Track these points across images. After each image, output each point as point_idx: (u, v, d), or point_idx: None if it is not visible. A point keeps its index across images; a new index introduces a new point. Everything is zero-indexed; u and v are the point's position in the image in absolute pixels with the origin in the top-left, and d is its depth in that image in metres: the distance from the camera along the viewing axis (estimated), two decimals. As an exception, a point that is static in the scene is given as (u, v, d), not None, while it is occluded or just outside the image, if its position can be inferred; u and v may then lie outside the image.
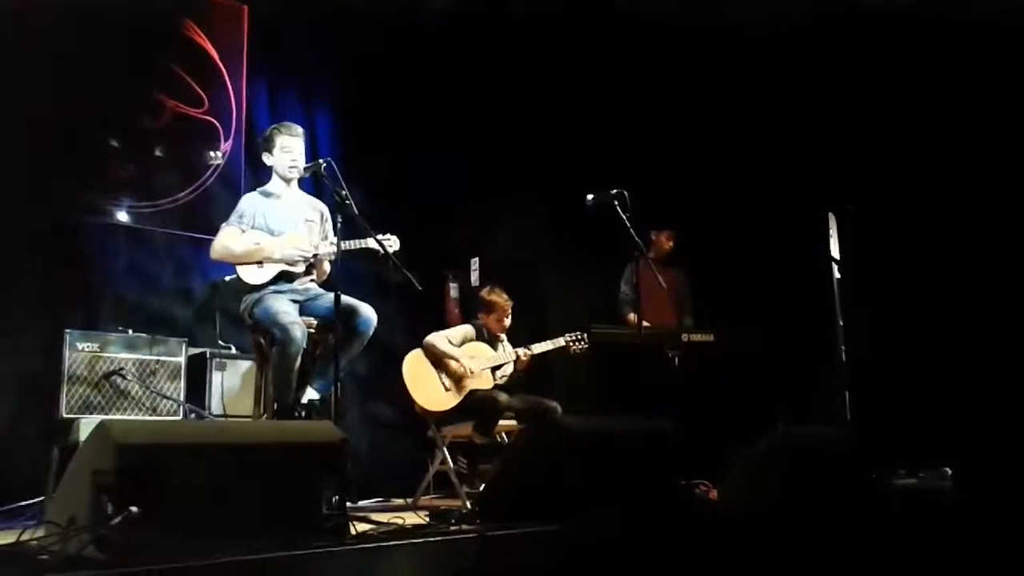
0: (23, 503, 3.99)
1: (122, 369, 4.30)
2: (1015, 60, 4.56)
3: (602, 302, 5.90)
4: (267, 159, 4.20)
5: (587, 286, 6.20)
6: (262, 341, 3.98)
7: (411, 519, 2.79)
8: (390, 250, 3.87)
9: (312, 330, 3.93)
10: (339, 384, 3.54)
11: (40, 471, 4.06)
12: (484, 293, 5.11)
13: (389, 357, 5.01)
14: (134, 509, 1.92)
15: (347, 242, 3.85)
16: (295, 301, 3.98)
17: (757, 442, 3.39)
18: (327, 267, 4.18)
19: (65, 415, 4.11)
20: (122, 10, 5.24)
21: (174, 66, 5.69)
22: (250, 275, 3.99)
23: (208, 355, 4.75)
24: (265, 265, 3.99)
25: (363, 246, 3.92)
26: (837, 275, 4.83)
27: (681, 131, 5.65)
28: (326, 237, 4.15)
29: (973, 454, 4.20)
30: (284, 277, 4.01)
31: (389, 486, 5.35)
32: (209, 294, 5.22)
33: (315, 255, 4.06)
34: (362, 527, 2.58)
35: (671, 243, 5.79)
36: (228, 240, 4.01)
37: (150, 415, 4.31)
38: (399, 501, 4.96)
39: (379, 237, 3.81)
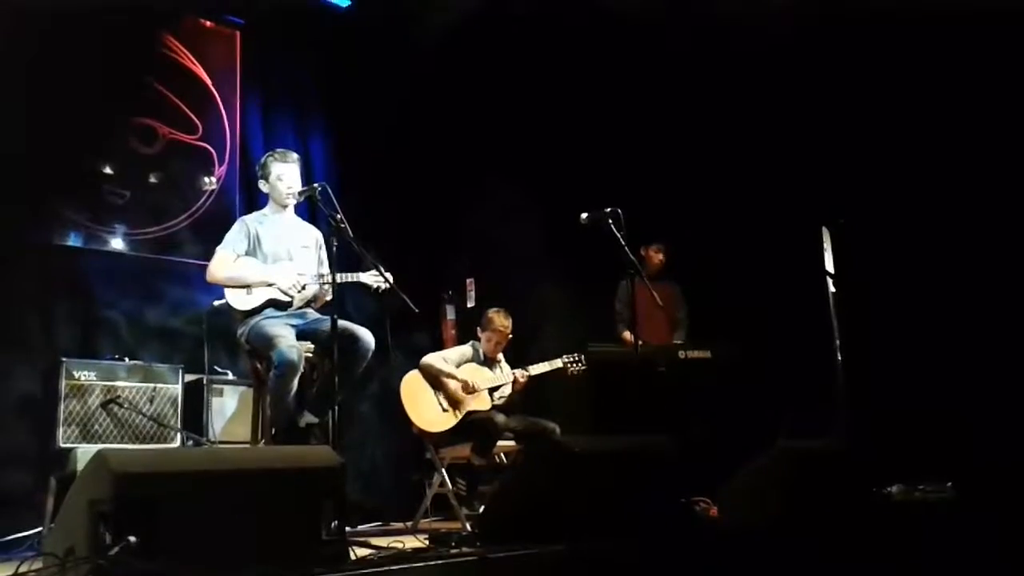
0: (21, 534, 3.98)
1: (119, 397, 4.29)
2: (998, 72, 4.59)
3: (598, 320, 5.89)
4: (263, 186, 4.22)
5: (583, 305, 6.20)
6: (259, 366, 3.96)
7: (411, 543, 2.78)
8: (384, 285, 3.85)
9: (309, 354, 3.92)
10: (337, 408, 3.54)
11: (38, 501, 4.05)
12: (490, 311, 5.06)
13: (386, 379, 4.99)
14: (132, 539, 1.91)
15: (342, 275, 3.82)
16: (292, 326, 3.97)
17: (756, 457, 3.39)
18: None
19: (62, 444, 4.10)
20: (115, 37, 5.28)
21: (167, 92, 5.72)
22: (238, 301, 3.98)
23: (205, 381, 4.74)
24: (253, 291, 3.98)
25: (357, 279, 3.92)
26: (832, 289, 4.84)
27: (676, 146, 5.66)
28: (321, 264, 4.15)
29: (973, 465, 4.19)
30: (274, 304, 3.99)
31: (388, 510, 5.34)
32: (204, 320, 5.22)
33: (305, 285, 4.02)
34: (362, 552, 2.56)
35: (660, 255, 5.74)
36: (223, 264, 4.02)
37: (147, 443, 4.29)
38: (398, 525, 4.93)
39: (374, 272, 3.81)
